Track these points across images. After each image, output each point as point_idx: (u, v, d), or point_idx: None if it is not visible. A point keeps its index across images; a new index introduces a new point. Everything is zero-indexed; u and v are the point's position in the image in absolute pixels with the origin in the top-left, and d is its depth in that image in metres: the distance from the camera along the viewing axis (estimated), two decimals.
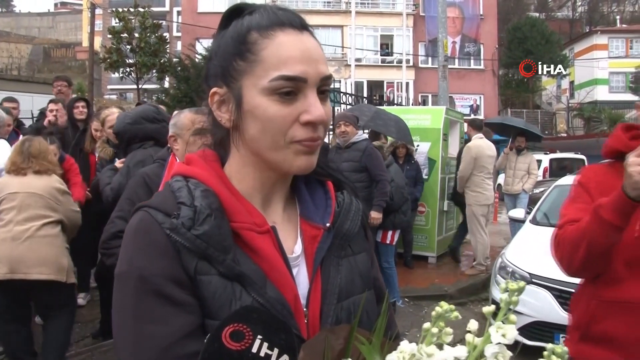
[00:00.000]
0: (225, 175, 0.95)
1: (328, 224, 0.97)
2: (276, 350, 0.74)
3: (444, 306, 0.73)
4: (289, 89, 0.86)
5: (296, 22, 0.89)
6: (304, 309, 0.90)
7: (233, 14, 0.93)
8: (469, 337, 0.70)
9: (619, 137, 1.82)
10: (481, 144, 7.42)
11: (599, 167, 1.91)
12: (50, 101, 6.04)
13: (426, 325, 0.72)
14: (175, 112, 3.08)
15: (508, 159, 8.70)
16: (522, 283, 0.70)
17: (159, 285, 0.82)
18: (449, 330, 0.72)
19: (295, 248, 0.95)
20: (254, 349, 0.73)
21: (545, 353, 0.68)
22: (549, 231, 3.22)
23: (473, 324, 0.71)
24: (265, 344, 0.74)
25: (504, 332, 0.67)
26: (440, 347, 0.70)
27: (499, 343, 0.67)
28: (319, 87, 0.88)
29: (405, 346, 0.70)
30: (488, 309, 0.72)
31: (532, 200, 8.17)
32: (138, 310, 0.82)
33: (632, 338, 1.65)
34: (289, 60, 0.85)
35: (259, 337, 0.74)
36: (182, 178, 0.92)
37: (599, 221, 1.59)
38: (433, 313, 0.73)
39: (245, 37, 0.88)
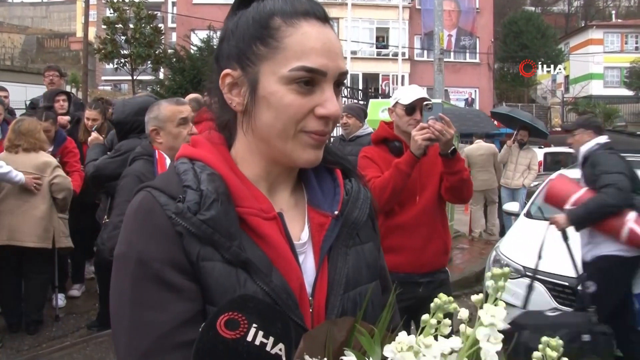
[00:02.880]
0: (232, 159, 0.93)
1: (336, 212, 0.95)
2: (271, 339, 0.74)
3: (442, 297, 0.73)
4: (308, 79, 0.85)
5: (320, 13, 0.89)
6: (310, 298, 0.89)
7: None
8: (462, 327, 0.71)
9: (384, 128, 2.93)
10: None
11: (373, 148, 2.96)
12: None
13: (425, 317, 0.72)
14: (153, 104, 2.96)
15: (511, 153, 8.70)
16: (506, 269, 0.71)
17: (157, 270, 0.81)
18: (448, 321, 0.72)
19: (302, 235, 0.94)
20: (249, 338, 0.73)
21: (540, 346, 0.70)
22: (544, 225, 3.32)
23: (464, 313, 0.72)
24: (261, 333, 0.74)
25: (494, 315, 0.68)
26: (435, 338, 0.70)
27: (491, 325, 0.67)
28: (335, 81, 0.88)
29: (403, 337, 0.70)
30: (477, 297, 0.72)
31: (529, 194, 8.19)
32: (135, 294, 0.81)
33: (403, 246, 2.74)
34: (312, 52, 0.85)
35: (254, 325, 0.73)
36: (188, 160, 0.90)
37: (399, 172, 2.61)
38: (432, 305, 0.73)
39: (268, 22, 0.87)
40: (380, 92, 22.99)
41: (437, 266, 2.87)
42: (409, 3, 29.22)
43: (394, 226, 2.76)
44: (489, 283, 0.71)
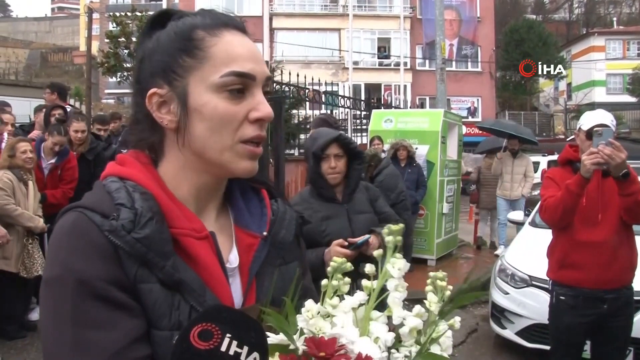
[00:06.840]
0: (162, 179, 0.91)
1: (265, 233, 0.96)
2: (246, 348, 0.74)
3: (338, 261, 0.81)
4: (239, 86, 0.86)
5: (240, 24, 0.91)
6: None
7: (160, 18, 0.92)
8: (365, 282, 0.81)
9: (569, 151, 3.13)
10: None
11: (557, 169, 3.21)
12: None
13: (324, 282, 0.81)
14: None
15: (504, 163, 8.54)
16: (402, 225, 0.82)
17: (101, 289, 0.77)
18: (347, 280, 0.82)
19: (230, 257, 0.93)
20: (223, 348, 0.73)
21: (429, 280, 0.82)
22: (549, 233, 3.36)
23: (369, 267, 0.80)
24: (235, 342, 0.73)
25: (400, 268, 0.79)
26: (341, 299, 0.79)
27: (398, 276, 0.79)
28: (262, 86, 0.90)
29: (310, 304, 0.76)
30: (378, 251, 0.81)
31: (530, 202, 8.13)
32: (79, 316, 0.76)
33: (587, 262, 2.92)
34: (239, 58, 0.87)
35: (228, 335, 0.73)
36: (118, 179, 0.88)
37: (569, 192, 2.85)
38: (329, 268, 0.82)
39: (191, 34, 0.87)
40: (382, 102, 23.01)
41: (623, 283, 2.99)
42: (410, 13, 29.37)
43: (577, 243, 2.94)
44: (388, 238, 0.80)
